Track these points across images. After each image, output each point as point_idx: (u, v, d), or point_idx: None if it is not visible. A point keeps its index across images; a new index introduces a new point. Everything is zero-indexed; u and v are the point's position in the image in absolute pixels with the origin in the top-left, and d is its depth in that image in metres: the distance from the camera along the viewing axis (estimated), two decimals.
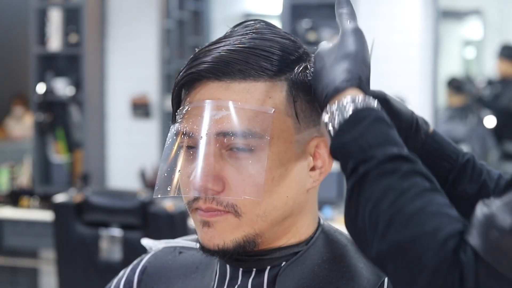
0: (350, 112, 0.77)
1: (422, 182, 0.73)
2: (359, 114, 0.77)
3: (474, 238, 0.68)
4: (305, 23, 4.35)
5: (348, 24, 0.84)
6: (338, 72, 0.80)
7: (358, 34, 0.83)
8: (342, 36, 0.83)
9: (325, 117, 0.79)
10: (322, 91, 0.81)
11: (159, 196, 0.87)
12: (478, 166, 0.97)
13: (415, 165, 0.75)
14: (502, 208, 0.68)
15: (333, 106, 0.79)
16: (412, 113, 0.95)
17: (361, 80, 0.80)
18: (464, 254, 0.68)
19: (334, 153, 0.79)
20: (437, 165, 0.96)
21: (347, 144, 0.76)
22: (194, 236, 1.02)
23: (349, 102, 0.78)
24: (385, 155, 0.74)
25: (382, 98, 0.91)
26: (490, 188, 0.95)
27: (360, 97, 0.78)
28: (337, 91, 0.79)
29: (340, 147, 0.77)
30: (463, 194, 0.96)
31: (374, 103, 0.78)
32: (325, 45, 0.86)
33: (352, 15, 0.85)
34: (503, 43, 4.78)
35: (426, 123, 0.97)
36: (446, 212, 0.72)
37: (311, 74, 0.87)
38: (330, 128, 0.79)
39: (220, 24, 5.40)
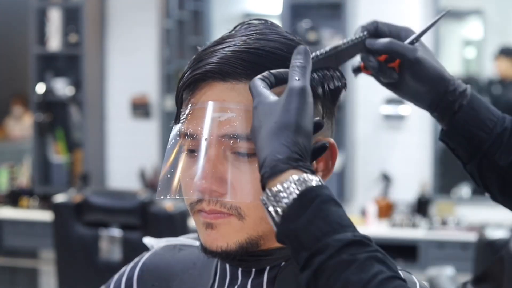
0: (295, 196, 0.72)
1: (381, 270, 0.69)
2: (305, 197, 0.72)
3: None
4: (305, 23, 4.35)
5: (295, 82, 0.77)
6: (277, 146, 0.75)
7: (303, 95, 0.76)
8: (286, 96, 0.77)
9: (265, 198, 0.74)
10: (260, 165, 0.76)
11: (161, 197, 0.86)
12: None
13: (370, 249, 0.71)
14: None
15: (275, 188, 0.73)
16: (449, 80, 0.96)
17: (301, 157, 0.75)
18: None
19: (281, 240, 0.74)
20: (472, 134, 0.94)
21: (298, 232, 0.72)
22: (195, 234, 1.01)
23: (292, 183, 0.73)
24: (340, 243, 0.70)
25: (413, 58, 0.96)
26: None
27: (303, 177, 0.73)
28: (277, 172, 0.74)
29: (289, 234, 0.72)
30: (494, 165, 0.94)
31: (316, 180, 0.74)
32: (266, 98, 0.78)
33: (304, 70, 0.79)
34: (503, 43, 4.78)
35: (464, 90, 0.96)
36: None
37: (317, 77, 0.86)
38: (273, 212, 0.74)
39: (220, 24, 5.39)
